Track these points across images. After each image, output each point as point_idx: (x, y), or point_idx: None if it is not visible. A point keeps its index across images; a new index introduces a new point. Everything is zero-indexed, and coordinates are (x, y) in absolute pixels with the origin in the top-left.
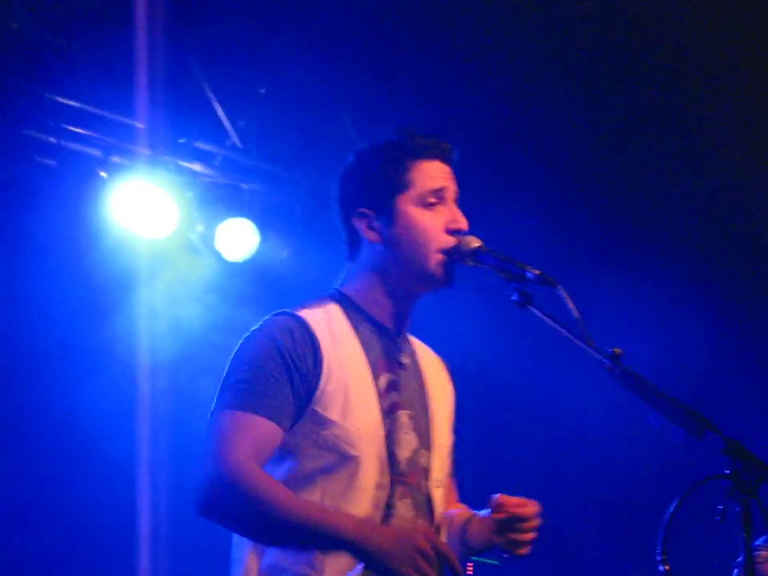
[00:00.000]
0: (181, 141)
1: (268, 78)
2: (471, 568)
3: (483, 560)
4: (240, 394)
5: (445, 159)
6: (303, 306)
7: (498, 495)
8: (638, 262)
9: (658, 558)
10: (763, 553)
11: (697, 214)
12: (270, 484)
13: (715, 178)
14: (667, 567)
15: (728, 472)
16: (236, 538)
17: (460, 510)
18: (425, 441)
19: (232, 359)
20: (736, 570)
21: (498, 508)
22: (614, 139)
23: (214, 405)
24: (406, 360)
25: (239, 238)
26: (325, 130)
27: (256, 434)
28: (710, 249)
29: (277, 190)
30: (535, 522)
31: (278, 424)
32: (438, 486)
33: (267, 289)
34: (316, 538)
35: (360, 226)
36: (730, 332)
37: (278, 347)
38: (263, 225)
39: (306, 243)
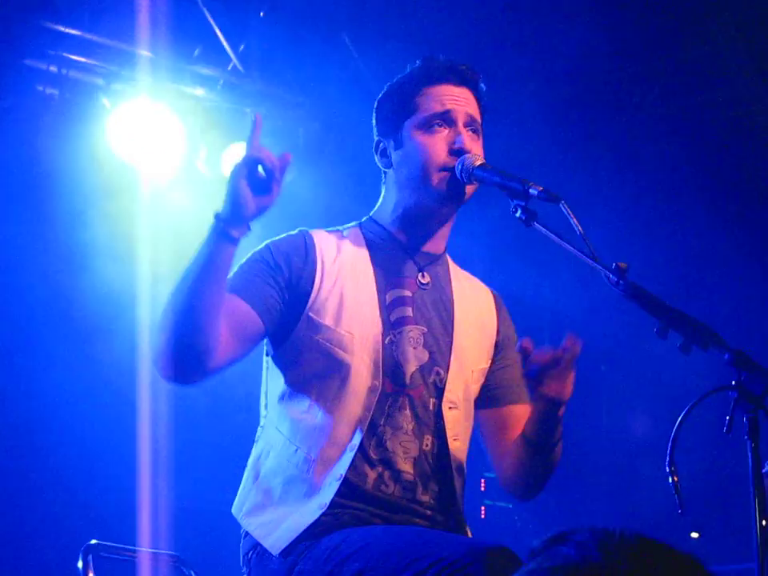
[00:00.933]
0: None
1: (267, 0)
2: (483, 511)
3: (496, 503)
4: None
5: (458, 82)
6: (326, 229)
7: (524, 339)
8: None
9: (667, 470)
10: None
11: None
12: None
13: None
14: (675, 479)
15: (734, 383)
16: (250, 459)
17: None
18: (440, 359)
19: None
20: None
21: (525, 353)
22: (618, 52)
23: None
24: (426, 279)
25: None
26: (326, 51)
27: (232, 310)
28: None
29: (280, 113)
30: (569, 361)
31: (253, 308)
32: (454, 408)
33: (270, 212)
34: (200, 255)
35: (377, 154)
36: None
37: (270, 254)
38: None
39: (309, 166)
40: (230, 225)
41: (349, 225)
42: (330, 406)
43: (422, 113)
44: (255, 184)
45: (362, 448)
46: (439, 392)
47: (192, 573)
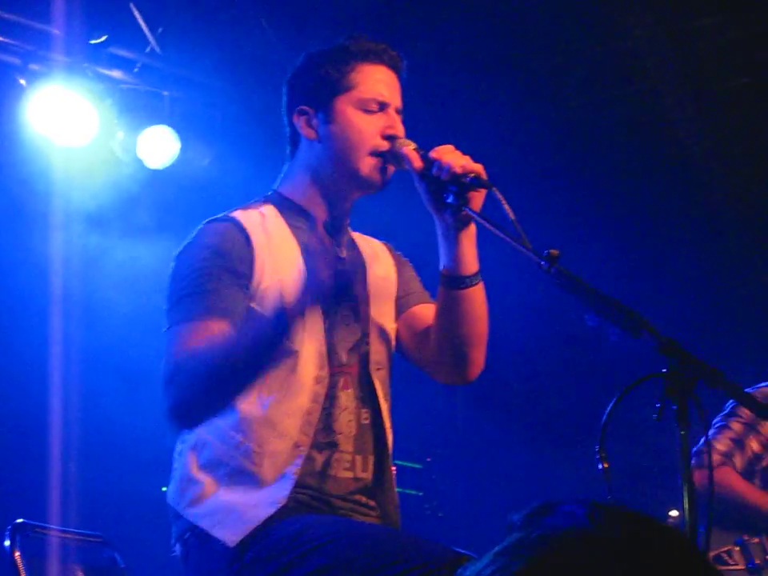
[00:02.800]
0: (95, 42)
1: None
2: (394, 470)
3: (406, 464)
4: (191, 306)
5: (391, 66)
6: (237, 209)
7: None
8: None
9: (597, 457)
10: (705, 457)
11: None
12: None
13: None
14: (606, 465)
15: (665, 371)
16: (178, 445)
17: None
18: (365, 327)
19: (173, 275)
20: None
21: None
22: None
23: (166, 324)
24: (344, 254)
25: (160, 146)
26: (244, 35)
27: (213, 333)
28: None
29: (197, 97)
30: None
31: (234, 321)
32: (379, 369)
33: (189, 196)
34: (263, 331)
35: (299, 123)
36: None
37: (217, 252)
38: (184, 132)
39: (227, 149)
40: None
41: (259, 201)
42: (276, 397)
43: (359, 93)
44: None
45: (311, 438)
46: (366, 358)
47: (116, 555)
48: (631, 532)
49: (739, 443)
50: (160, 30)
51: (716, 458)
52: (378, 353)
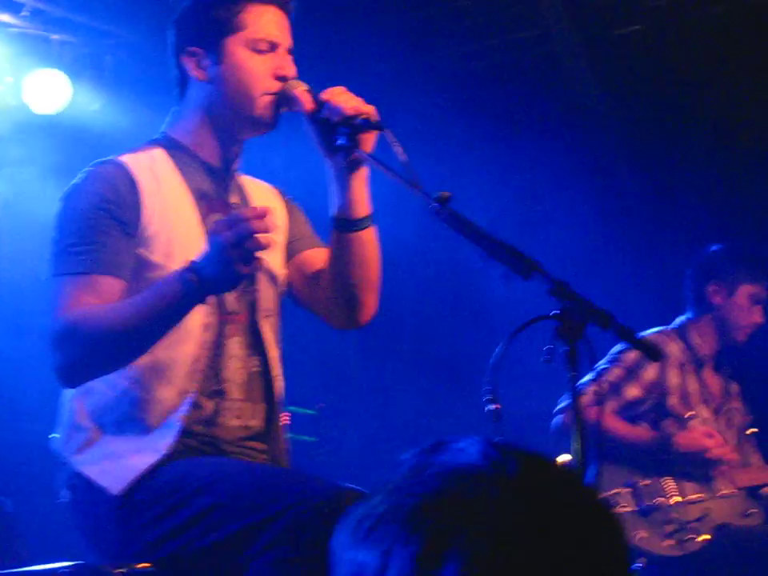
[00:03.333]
0: None
1: None
2: (287, 418)
3: (299, 410)
4: (78, 258)
5: (281, 6)
6: (126, 153)
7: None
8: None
9: (487, 398)
10: (585, 398)
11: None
12: (107, 305)
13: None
14: (497, 406)
15: (555, 312)
16: (65, 391)
17: None
18: (253, 277)
19: (59, 219)
20: (557, 417)
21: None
22: None
23: (50, 271)
24: (234, 199)
25: (50, 90)
26: None
27: (104, 291)
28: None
29: (86, 41)
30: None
31: (122, 279)
32: (268, 316)
33: (79, 141)
34: (160, 306)
35: (189, 64)
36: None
37: (102, 199)
38: (74, 76)
39: (118, 95)
40: (212, 292)
41: (148, 144)
42: (163, 344)
43: (249, 33)
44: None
45: (200, 385)
46: (254, 306)
47: (4, 499)
48: (526, 469)
49: (614, 388)
50: None
51: (587, 399)
52: (266, 300)
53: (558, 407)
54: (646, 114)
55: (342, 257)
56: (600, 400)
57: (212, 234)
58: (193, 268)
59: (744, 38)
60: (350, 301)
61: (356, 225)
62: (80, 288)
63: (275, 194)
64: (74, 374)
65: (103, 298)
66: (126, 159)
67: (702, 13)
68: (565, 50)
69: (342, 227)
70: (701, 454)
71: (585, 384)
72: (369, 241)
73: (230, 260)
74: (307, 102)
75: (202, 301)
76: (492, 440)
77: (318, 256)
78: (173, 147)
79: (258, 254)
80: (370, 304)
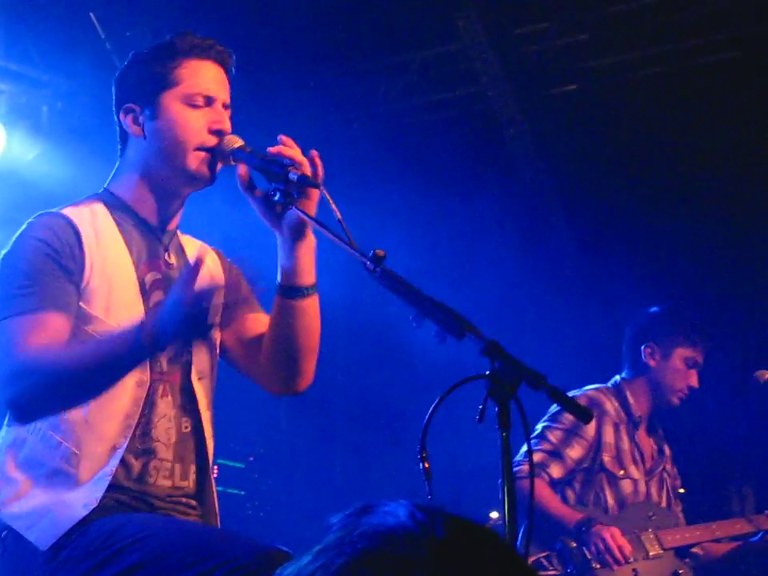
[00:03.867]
0: None
1: None
2: (215, 471)
3: (228, 462)
4: (25, 300)
5: (218, 61)
6: (68, 206)
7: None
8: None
9: (419, 456)
10: (525, 467)
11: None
12: (66, 347)
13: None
14: (427, 465)
15: (487, 372)
16: None
17: None
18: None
19: (7, 258)
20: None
21: None
22: None
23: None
24: (172, 259)
25: None
26: (73, 30)
27: (52, 328)
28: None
29: (24, 91)
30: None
31: (69, 315)
32: (201, 378)
33: (12, 190)
34: (119, 349)
35: (126, 120)
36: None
37: (48, 246)
38: (9, 125)
39: (53, 145)
40: (171, 343)
41: (89, 199)
42: (97, 400)
43: (184, 88)
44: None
45: (129, 442)
46: (188, 367)
47: None
48: (452, 531)
49: (555, 454)
50: None
51: (527, 468)
52: (200, 362)
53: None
54: (580, 172)
55: (284, 323)
56: (537, 471)
57: (171, 294)
58: (151, 324)
59: (679, 99)
60: (289, 368)
61: (300, 292)
62: (29, 327)
63: (215, 257)
64: (29, 409)
65: (52, 335)
66: (69, 212)
67: (638, 74)
68: (501, 108)
69: (286, 294)
70: (602, 552)
71: (524, 453)
72: (311, 309)
73: (188, 320)
74: (243, 173)
75: (153, 356)
76: (419, 503)
77: (257, 321)
78: (113, 203)
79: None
80: (309, 372)
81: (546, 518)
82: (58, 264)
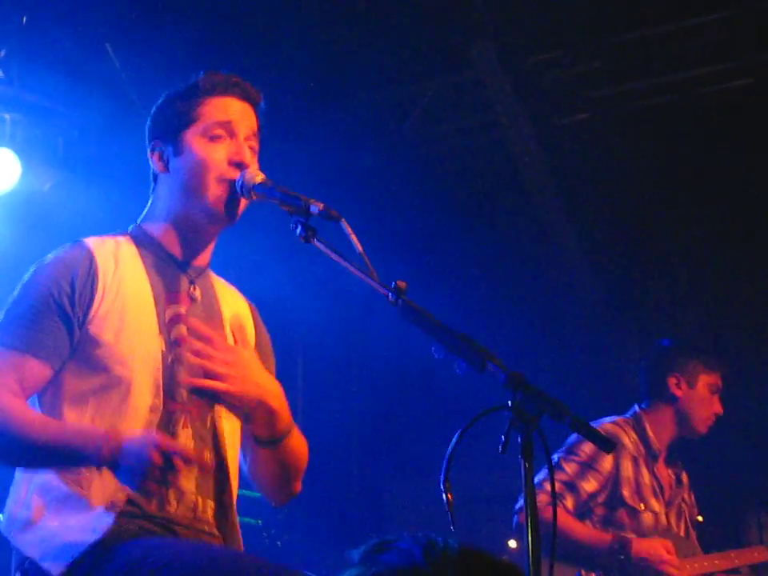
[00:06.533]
0: None
1: (30, 6)
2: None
3: (245, 492)
4: (18, 332)
5: (242, 97)
6: (96, 236)
7: None
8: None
9: (442, 488)
10: (542, 497)
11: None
12: (24, 413)
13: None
14: (450, 496)
15: (509, 403)
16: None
17: None
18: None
19: (21, 287)
20: (516, 517)
21: None
22: None
23: None
24: (196, 293)
25: (0, 169)
26: (88, 61)
27: (26, 373)
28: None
29: (39, 121)
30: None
31: (51, 366)
32: (228, 419)
33: (29, 221)
34: (73, 449)
35: (153, 158)
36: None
37: (56, 286)
38: (25, 156)
39: (68, 175)
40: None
41: (118, 232)
42: (109, 423)
43: (204, 123)
44: None
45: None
46: (213, 406)
47: None
48: (467, 570)
49: (570, 486)
50: (3, 52)
51: (545, 498)
52: (227, 402)
53: (517, 505)
54: (594, 201)
55: (267, 463)
56: (555, 499)
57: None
58: (113, 447)
59: (691, 126)
60: (275, 490)
61: (278, 441)
62: (6, 365)
63: (247, 308)
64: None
65: (25, 379)
66: (91, 241)
67: (650, 102)
68: (515, 136)
69: (263, 445)
70: (654, 565)
71: (541, 480)
72: (291, 444)
73: (151, 463)
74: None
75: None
76: (435, 539)
77: None
78: (141, 238)
79: None
80: (295, 489)
81: (571, 544)
82: (59, 308)
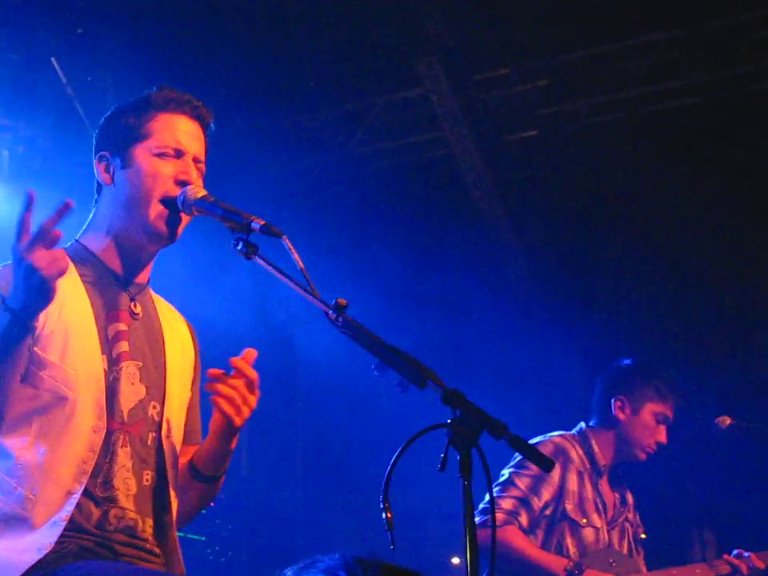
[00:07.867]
0: None
1: None
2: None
3: (188, 535)
4: None
5: (193, 116)
6: None
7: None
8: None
9: (381, 506)
10: (500, 516)
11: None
12: None
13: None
14: (389, 515)
15: (448, 421)
16: None
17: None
18: (155, 392)
19: None
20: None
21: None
22: None
23: None
24: (137, 310)
25: None
26: (34, 75)
27: None
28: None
29: None
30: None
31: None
32: (170, 435)
33: None
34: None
35: (99, 168)
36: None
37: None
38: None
39: (13, 189)
40: (33, 312)
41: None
42: (52, 444)
43: (155, 140)
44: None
45: (86, 488)
46: (157, 425)
47: None
48: None
49: (524, 501)
50: None
51: (501, 516)
52: (170, 422)
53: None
54: (541, 217)
55: (192, 495)
56: (509, 518)
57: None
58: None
59: (637, 144)
60: (185, 514)
61: (216, 478)
62: None
63: (184, 323)
64: None
65: None
66: None
67: (596, 120)
68: (462, 153)
69: (200, 479)
70: None
71: (497, 498)
72: (216, 486)
73: (30, 268)
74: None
75: (31, 328)
76: (358, 558)
77: (188, 450)
78: (80, 255)
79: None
80: (193, 517)
81: (526, 567)
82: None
